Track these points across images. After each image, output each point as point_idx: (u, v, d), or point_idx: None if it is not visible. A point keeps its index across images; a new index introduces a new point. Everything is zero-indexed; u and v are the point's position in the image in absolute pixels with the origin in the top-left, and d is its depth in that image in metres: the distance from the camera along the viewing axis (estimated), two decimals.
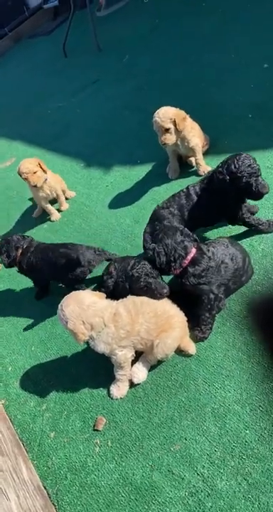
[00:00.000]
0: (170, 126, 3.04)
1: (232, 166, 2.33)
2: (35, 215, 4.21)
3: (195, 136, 3.23)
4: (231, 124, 3.72)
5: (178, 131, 3.10)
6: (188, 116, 3.17)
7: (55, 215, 4.03)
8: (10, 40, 13.03)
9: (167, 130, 3.06)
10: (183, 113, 3.12)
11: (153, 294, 2.26)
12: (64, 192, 4.11)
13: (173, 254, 2.23)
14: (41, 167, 3.68)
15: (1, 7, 12.63)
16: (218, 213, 2.62)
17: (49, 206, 4.02)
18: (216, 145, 3.52)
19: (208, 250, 2.25)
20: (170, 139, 3.10)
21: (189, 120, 3.19)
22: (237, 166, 2.31)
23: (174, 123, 3.03)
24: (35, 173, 3.64)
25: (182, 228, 2.33)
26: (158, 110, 3.09)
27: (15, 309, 3.23)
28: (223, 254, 2.25)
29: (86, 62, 7.58)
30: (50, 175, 3.84)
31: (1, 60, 12.68)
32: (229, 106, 3.95)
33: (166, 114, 3.02)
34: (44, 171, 3.72)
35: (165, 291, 2.28)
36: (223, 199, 2.47)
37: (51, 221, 4.04)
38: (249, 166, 2.31)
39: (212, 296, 2.21)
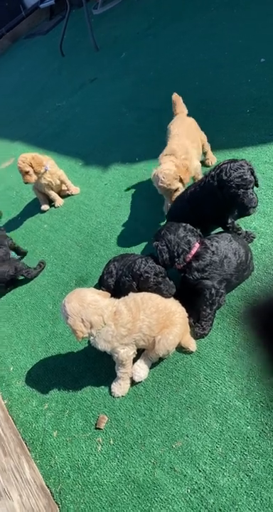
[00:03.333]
0: (178, 185, 2.83)
1: (223, 174, 2.23)
2: (44, 208, 4.24)
3: (193, 159, 3.00)
4: (228, 119, 3.71)
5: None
6: (187, 166, 2.89)
7: (59, 201, 4.15)
8: (8, 41, 13.04)
9: (176, 190, 2.88)
10: (184, 165, 2.85)
11: (162, 294, 2.28)
12: (68, 189, 4.18)
13: (176, 250, 2.23)
14: (32, 167, 3.71)
15: None
16: (207, 217, 2.54)
17: (52, 193, 4.12)
18: (214, 141, 3.49)
19: (212, 245, 2.24)
20: (180, 186, 2.87)
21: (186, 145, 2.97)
22: (227, 175, 2.21)
23: (180, 179, 2.83)
24: (26, 172, 3.69)
25: (185, 224, 2.32)
26: (157, 173, 2.81)
27: (16, 310, 3.23)
28: (226, 248, 2.24)
29: (83, 60, 7.58)
30: (51, 163, 3.91)
31: (0, 61, 12.69)
32: (227, 102, 3.93)
33: (168, 176, 2.76)
34: (36, 172, 3.77)
35: (174, 291, 2.30)
36: (213, 203, 2.40)
37: (55, 207, 4.17)
38: (240, 177, 2.17)
39: (213, 291, 2.20)
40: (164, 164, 2.82)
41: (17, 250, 3.63)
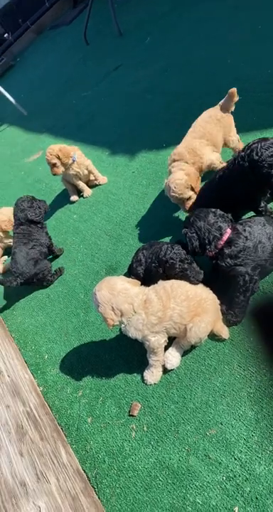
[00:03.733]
0: (190, 193, 2.80)
1: (254, 154, 2.16)
2: (73, 199, 4.27)
3: (206, 156, 2.90)
4: (259, 99, 3.56)
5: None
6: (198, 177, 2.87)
7: (87, 191, 4.19)
8: (33, 33, 13.15)
9: (189, 198, 2.84)
10: (194, 173, 2.82)
11: (189, 280, 2.25)
12: (96, 178, 4.19)
13: (207, 236, 2.18)
14: (60, 159, 3.74)
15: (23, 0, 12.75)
16: (238, 200, 2.46)
17: (81, 183, 4.15)
18: (244, 122, 3.37)
19: (244, 230, 2.15)
20: (192, 195, 2.82)
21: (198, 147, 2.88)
22: (259, 154, 2.14)
23: (191, 188, 2.79)
24: (54, 164, 3.74)
25: (215, 210, 2.26)
26: (168, 183, 2.80)
27: (49, 300, 3.30)
28: (260, 233, 2.15)
29: (107, 48, 7.51)
30: (78, 154, 3.92)
31: (26, 54, 12.84)
32: (258, 80, 3.78)
33: (180, 186, 2.73)
34: (63, 164, 3.80)
35: (201, 277, 2.26)
36: (243, 185, 2.32)
37: (84, 197, 4.20)
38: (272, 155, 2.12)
39: (247, 277, 2.13)
40: (175, 174, 2.81)
41: (51, 250, 3.53)
